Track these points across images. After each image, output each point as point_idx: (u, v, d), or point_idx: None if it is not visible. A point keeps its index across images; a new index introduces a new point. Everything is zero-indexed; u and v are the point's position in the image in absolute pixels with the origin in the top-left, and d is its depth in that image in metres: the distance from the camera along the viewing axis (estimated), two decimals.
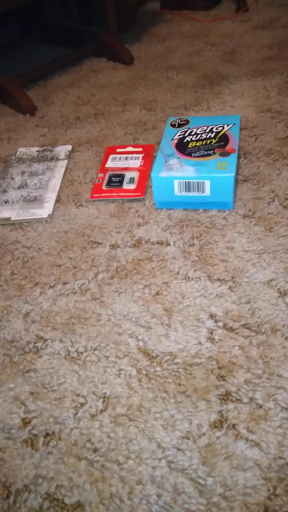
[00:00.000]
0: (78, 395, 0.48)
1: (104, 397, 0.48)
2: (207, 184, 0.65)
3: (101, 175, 0.78)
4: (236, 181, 0.72)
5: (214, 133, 0.71)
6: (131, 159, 0.80)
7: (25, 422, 0.47)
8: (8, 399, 0.49)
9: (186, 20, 1.40)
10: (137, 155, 0.81)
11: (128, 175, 0.76)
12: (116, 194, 0.73)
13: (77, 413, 0.47)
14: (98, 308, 0.57)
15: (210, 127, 0.73)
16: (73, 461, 0.43)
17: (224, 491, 0.40)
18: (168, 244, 0.64)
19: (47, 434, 0.46)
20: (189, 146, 0.70)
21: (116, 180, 0.75)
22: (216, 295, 0.56)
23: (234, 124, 0.73)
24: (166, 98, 0.99)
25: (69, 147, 0.87)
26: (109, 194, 0.73)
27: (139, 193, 0.73)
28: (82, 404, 0.47)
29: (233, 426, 0.44)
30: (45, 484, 0.42)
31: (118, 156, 0.81)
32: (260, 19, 1.33)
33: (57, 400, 0.48)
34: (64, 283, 0.61)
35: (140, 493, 0.40)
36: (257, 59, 1.10)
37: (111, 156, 0.81)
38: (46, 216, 0.72)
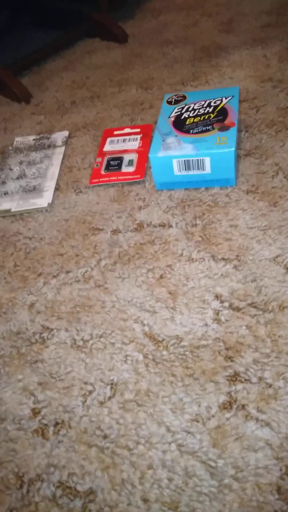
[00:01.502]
0: (86, 383, 0.48)
1: (112, 383, 0.47)
2: (207, 161, 0.63)
3: (99, 159, 0.76)
4: (238, 156, 0.70)
5: (212, 107, 0.69)
6: (129, 141, 0.78)
7: (35, 412, 0.47)
8: (17, 390, 0.49)
9: None
10: (135, 136, 0.78)
11: (126, 157, 0.75)
12: (115, 178, 0.72)
13: (85, 401, 0.47)
14: (102, 295, 0.56)
15: (207, 101, 0.70)
16: (83, 449, 0.43)
17: (235, 472, 0.39)
18: (170, 226, 0.63)
19: (57, 423, 0.46)
20: (187, 122, 0.67)
21: (115, 163, 0.74)
22: (221, 275, 0.55)
23: (233, 96, 0.70)
24: (163, 75, 0.96)
25: (65, 133, 0.85)
26: (108, 179, 0.72)
27: (139, 176, 0.71)
28: (90, 392, 0.47)
29: (243, 406, 0.43)
30: (57, 473, 0.42)
31: (116, 138, 0.79)
32: None
33: (65, 389, 0.48)
34: (67, 272, 0.60)
35: (151, 477, 0.40)
36: (256, 27, 1.05)
37: (108, 139, 0.79)
38: (46, 205, 0.71)
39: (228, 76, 0.89)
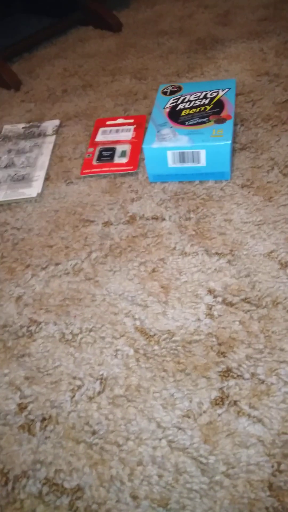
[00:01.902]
0: (74, 378, 0.47)
1: (101, 378, 0.46)
2: (202, 153, 0.62)
3: (91, 149, 0.74)
4: (233, 150, 0.69)
5: (208, 99, 0.68)
6: (122, 131, 0.76)
7: (21, 408, 0.46)
8: (3, 385, 0.48)
9: None
10: (129, 127, 0.77)
11: (119, 148, 0.73)
12: (108, 169, 0.70)
13: (74, 396, 0.45)
14: (93, 288, 0.55)
15: (204, 93, 0.69)
16: (71, 445, 0.42)
17: (227, 469, 0.38)
18: (164, 219, 0.62)
19: (44, 419, 0.44)
20: (182, 114, 0.66)
21: (107, 154, 0.72)
22: (215, 269, 0.54)
23: (230, 88, 0.69)
24: (157, 65, 0.94)
25: (56, 122, 0.83)
26: (100, 169, 0.70)
27: (132, 167, 0.69)
28: (79, 387, 0.46)
29: (235, 402, 0.42)
30: (43, 469, 0.41)
31: (109, 129, 0.77)
32: None
33: (53, 384, 0.47)
34: (56, 264, 0.59)
35: (141, 474, 0.39)
36: (253, 20, 1.04)
37: (101, 129, 0.78)
38: (35, 195, 0.69)
39: (224, 69, 0.88)
